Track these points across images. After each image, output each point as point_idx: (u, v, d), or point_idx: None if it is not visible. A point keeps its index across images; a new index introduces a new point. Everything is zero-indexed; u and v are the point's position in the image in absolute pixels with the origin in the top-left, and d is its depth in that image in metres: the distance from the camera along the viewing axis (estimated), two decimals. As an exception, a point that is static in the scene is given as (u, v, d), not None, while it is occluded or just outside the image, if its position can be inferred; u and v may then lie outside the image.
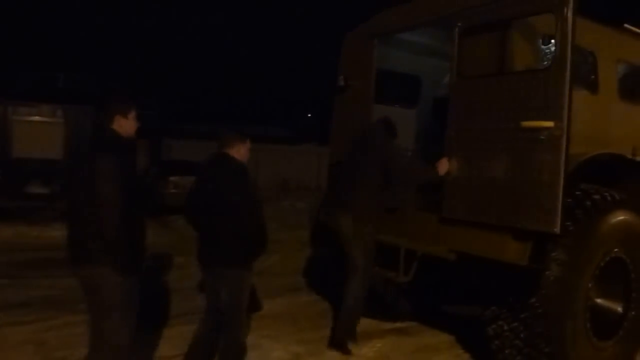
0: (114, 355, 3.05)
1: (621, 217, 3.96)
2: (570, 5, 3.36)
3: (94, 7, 61.56)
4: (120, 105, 3.17)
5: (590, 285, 3.81)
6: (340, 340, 4.62)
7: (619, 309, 4.20)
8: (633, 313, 4.19)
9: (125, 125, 3.19)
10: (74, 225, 3.08)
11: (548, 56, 3.87)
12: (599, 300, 4.07)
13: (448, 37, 4.26)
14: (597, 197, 3.87)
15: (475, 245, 3.82)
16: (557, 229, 3.41)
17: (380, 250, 4.68)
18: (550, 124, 3.46)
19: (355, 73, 5.15)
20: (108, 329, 3.00)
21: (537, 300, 3.63)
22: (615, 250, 3.97)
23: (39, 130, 12.22)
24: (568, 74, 3.41)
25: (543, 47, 4.02)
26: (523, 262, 3.56)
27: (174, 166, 13.70)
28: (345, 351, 4.57)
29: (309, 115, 56.14)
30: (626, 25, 4.88)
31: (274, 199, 17.54)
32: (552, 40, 3.66)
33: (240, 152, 3.83)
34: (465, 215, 3.96)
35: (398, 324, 5.53)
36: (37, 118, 12.24)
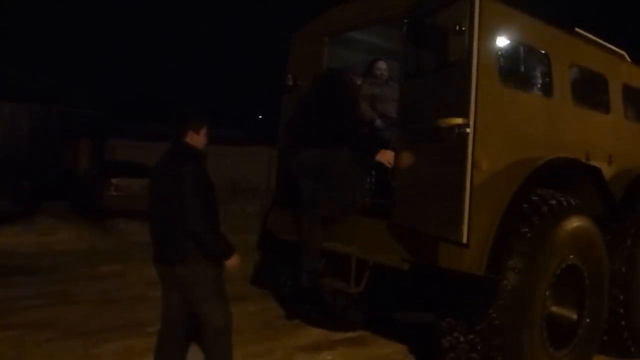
0: (217, 337, 3.44)
1: (577, 223, 3.87)
2: None
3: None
4: (193, 122, 3.53)
5: (547, 293, 3.69)
6: None
7: (573, 317, 4.12)
8: (587, 320, 4.12)
9: (197, 140, 3.54)
10: (161, 230, 3.44)
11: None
12: (554, 309, 3.96)
13: (397, 35, 4.09)
14: (553, 202, 3.76)
15: (430, 254, 3.63)
16: (463, 238, 3.25)
17: (328, 259, 4.46)
18: (458, 120, 3.28)
19: (305, 72, 4.91)
20: (208, 314, 3.40)
21: (494, 311, 3.46)
22: (571, 257, 3.87)
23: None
24: (475, 66, 3.23)
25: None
26: (480, 272, 3.40)
27: (116, 167, 13.08)
28: None
29: (260, 116, 55.71)
30: (577, 30, 4.84)
31: (223, 202, 17.06)
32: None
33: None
34: (408, 222, 3.80)
35: (349, 334, 5.31)
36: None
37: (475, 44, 3.26)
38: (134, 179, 12.45)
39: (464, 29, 3.31)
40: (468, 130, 3.27)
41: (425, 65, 3.84)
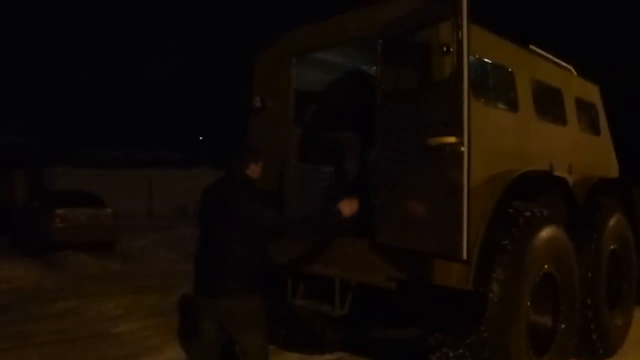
0: None
1: (550, 233, 4.00)
2: (464, 12, 3.20)
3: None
4: (253, 155, 3.67)
5: (528, 303, 3.78)
6: None
7: (550, 324, 4.23)
8: (562, 326, 4.25)
9: (255, 171, 3.64)
10: (208, 261, 3.44)
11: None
12: (533, 317, 4.06)
13: (366, 55, 4.09)
14: (528, 214, 3.87)
15: (416, 271, 3.65)
16: (463, 255, 3.22)
17: (306, 282, 4.40)
18: (452, 139, 3.28)
19: (272, 93, 4.87)
20: (252, 345, 3.42)
21: (483, 324, 3.52)
22: (546, 266, 3.99)
23: None
24: (466, 84, 3.24)
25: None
26: (468, 287, 3.43)
27: (59, 197, 12.49)
28: None
29: (201, 138, 54.91)
30: (532, 47, 5.07)
31: (172, 226, 16.66)
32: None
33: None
34: (394, 241, 3.79)
35: (327, 356, 5.24)
36: None
37: (464, 63, 3.29)
38: (81, 208, 11.94)
39: (451, 50, 3.35)
40: (463, 148, 3.29)
41: (404, 85, 3.87)
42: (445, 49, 3.33)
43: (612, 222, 5.11)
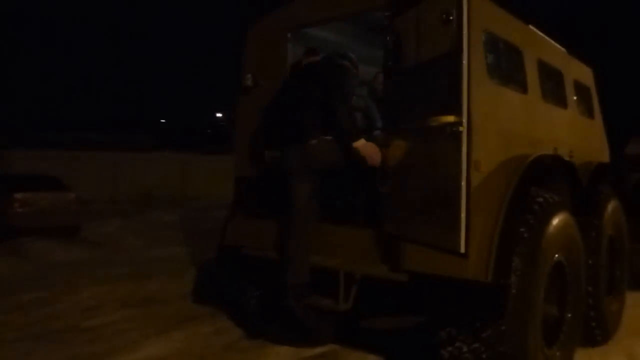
0: None
1: (562, 219, 3.84)
2: None
3: None
4: None
5: (543, 294, 3.61)
6: None
7: (557, 314, 4.10)
8: (570, 315, 4.12)
9: None
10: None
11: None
12: (545, 308, 3.91)
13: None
14: (541, 199, 3.69)
15: (429, 262, 3.41)
16: (460, 247, 3.07)
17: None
18: (451, 118, 3.06)
19: (265, 71, 4.53)
20: None
21: (500, 317, 3.32)
22: (557, 255, 3.83)
23: None
24: (466, 56, 3.01)
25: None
26: (486, 279, 3.23)
27: (20, 181, 11.79)
28: None
29: (163, 120, 53.69)
30: (531, 27, 4.87)
31: (138, 211, 16.05)
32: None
33: None
34: (400, 231, 3.56)
35: (319, 350, 4.98)
36: None
37: (465, 32, 3.04)
38: (42, 192, 11.31)
39: (451, 17, 3.09)
40: (461, 128, 3.07)
41: (409, 61, 3.59)
42: (445, 16, 3.09)
43: (610, 208, 5.02)
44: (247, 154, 4.63)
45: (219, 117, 52.80)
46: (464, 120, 2.99)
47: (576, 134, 5.13)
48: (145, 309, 6.31)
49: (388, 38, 3.63)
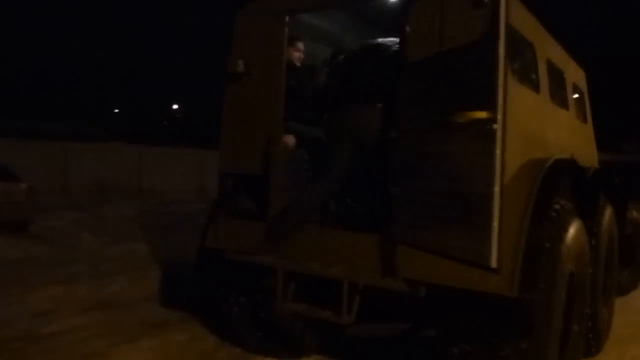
0: None
1: (576, 228, 3.62)
2: None
3: None
4: None
5: (562, 310, 3.38)
6: None
7: (563, 326, 3.89)
8: (576, 327, 3.92)
9: None
10: None
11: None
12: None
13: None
14: (558, 206, 3.47)
15: (446, 274, 3.09)
16: (491, 262, 2.74)
17: (298, 283, 3.80)
18: (483, 114, 2.75)
19: (259, 57, 4.12)
20: None
21: (521, 334, 3.06)
22: (570, 265, 3.61)
23: None
24: (502, 46, 2.71)
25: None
26: (511, 294, 2.93)
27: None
28: None
29: (116, 110, 52.01)
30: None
31: (92, 205, 15.23)
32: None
33: None
34: (415, 239, 3.24)
35: (303, 360, 4.66)
36: None
37: (502, 17, 2.73)
38: (3, 182, 10.46)
39: (486, 0, 2.78)
40: (495, 126, 2.75)
41: (430, 50, 3.22)
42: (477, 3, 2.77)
43: (607, 215, 4.89)
44: (236, 147, 4.22)
45: (174, 109, 51.55)
46: (499, 117, 2.68)
47: (576, 138, 4.98)
48: (107, 313, 5.78)
49: (404, 25, 3.30)
